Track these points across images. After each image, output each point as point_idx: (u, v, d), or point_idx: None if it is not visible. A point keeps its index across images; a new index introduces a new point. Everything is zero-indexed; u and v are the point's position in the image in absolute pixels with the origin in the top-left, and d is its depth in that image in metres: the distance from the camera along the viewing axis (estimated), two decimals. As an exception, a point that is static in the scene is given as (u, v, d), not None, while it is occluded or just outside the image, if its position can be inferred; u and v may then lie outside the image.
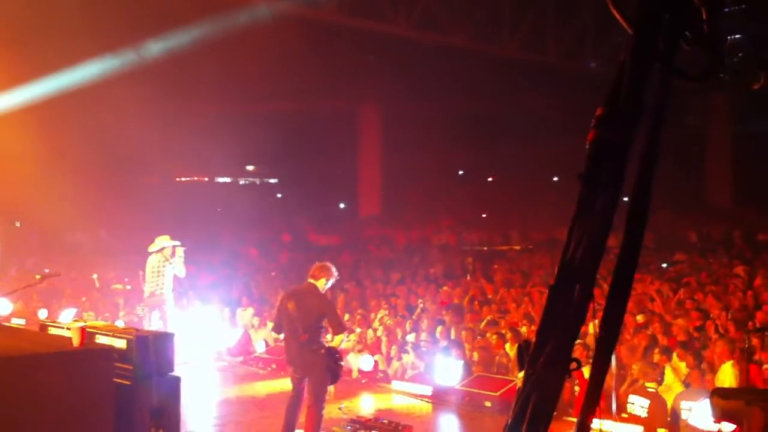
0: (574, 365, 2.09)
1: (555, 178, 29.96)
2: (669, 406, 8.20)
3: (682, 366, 8.84)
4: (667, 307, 11.83)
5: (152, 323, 11.67)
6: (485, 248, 23.67)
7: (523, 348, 2.15)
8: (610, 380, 7.92)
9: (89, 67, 18.22)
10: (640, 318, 11.09)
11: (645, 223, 2.19)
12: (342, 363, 7.50)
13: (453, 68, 22.19)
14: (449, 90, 23.84)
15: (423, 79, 22.85)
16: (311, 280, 7.51)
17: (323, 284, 7.54)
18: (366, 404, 9.84)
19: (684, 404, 7.99)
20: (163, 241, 11.82)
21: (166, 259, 11.64)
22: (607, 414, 7.80)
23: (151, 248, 11.84)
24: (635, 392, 8.28)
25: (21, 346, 5.33)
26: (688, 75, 2.36)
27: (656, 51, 2.23)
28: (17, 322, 11.26)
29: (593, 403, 2.13)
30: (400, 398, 10.07)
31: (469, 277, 17.29)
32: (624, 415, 8.14)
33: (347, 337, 11.01)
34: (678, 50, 2.29)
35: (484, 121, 26.97)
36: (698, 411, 7.73)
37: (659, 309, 11.69)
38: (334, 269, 7.66)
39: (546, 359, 2.04)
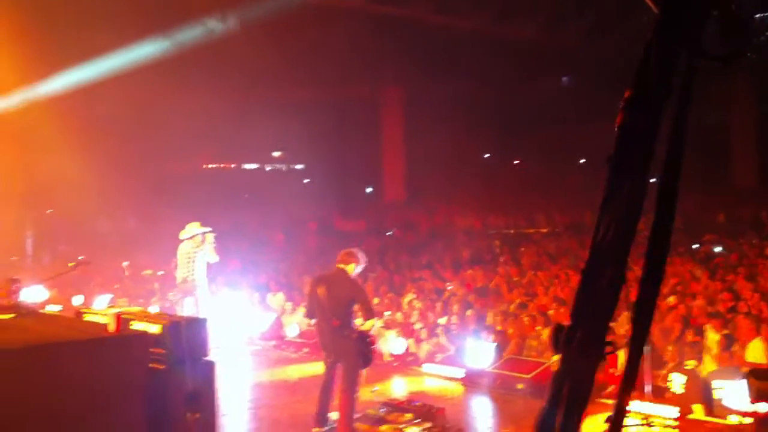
0: (609, 349, 2.10)
1: (581, 161, 29.75)
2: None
3: (714, 344, 8.81)
4: (698, 288, 11.75)
5: (185, 309, 11.85)
6: (512, 231, 23.60)
7: (557, 331, 2.17)
8: (644, 362, 7.94)
9: (117, 56, 18.40)
10: (671, 300, 11.05)
11: (675, 205, 2.20)
12: (374, 347, 7.56)
13: (475, 52, 22.06)
14: (472, 73, 23.73)
15: (445, 62, 22.77)
16: (340, 266, 7.57)
17: (353, 269, 7.60)
18: (398, 387, 9.89)
19: (716, 383, 7.97)
20: (193, 227, 11.96)
21: (197, 246, 11.77)
22: (641, 395, 7.83)
23: (182, 235, 11.98)
24: (675, 370, 8.30)
25: (58, 332, 5.42)
26: (715, 56, 2.35)
27: (684, 31, 2.22)
28: (53, 308, 11.48)
29: (629, 386, 2.15)
30: (432, 381, 10.11)
31: (499, 260, 17.26)
32: (668, 394, 8.17)
33: (377, 321, 11.09)
34: (705, 30, 2.28)
35: (508, 103, 26.83)
36: (733, 391, 7.71)
37: (691, 290, 11.63)
38: (362, 255, 7.72)
39: (580, 343, 2.05)
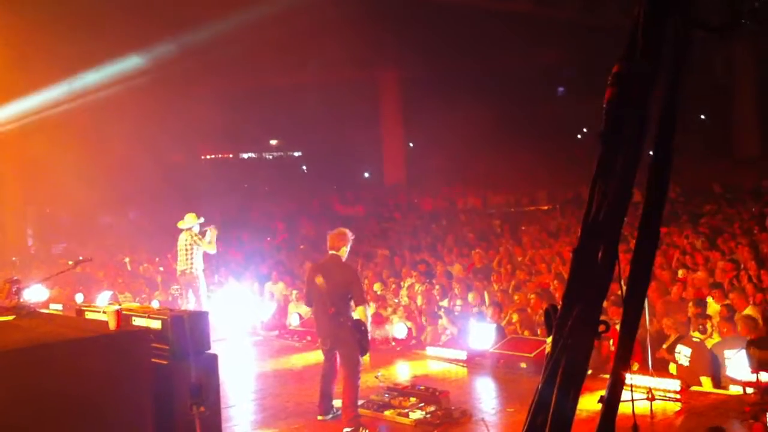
0: (602, 327, 2.08)
1: (579, 135, 29.65)
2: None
3: (716, 315, 8.81)
4: (699, 258, 11.73)
5: (188, 302, 11.87)
6: (512, 210, 23.56)
7: (550, 312, 2.15)
8: (646, 336, 7.93)
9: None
10: (681, 273, 11.07)
11: (668, 178, 2.17)
12: (368, 334, 7.52)
13: (470, 27, 21.92)
14: (468, 50, 23.61)
15: (441, 40, 22.61)
16: (332, 252, 7.53)
17: (344, 252, 7.57)
18: (402, 371, 9.89)
19: (727, 353, 7.98)
20: (191, 219, 11.97)
21: (193, 238, 11.81)
22: (644, 369, 7.82)
23: (181, 224, 12.01)
24: (682, 342, 8.29)
25: (59, 331, 5.42)
26: (707, 25, 2.30)
27: (672, 2, 2.17)
28: (55, 307, 11.48)
29: (625, 358, 2.13)
30: (436, 364, 10.11)
31: (500, 240, 17.24)
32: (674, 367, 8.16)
33: (368, 307, 11.09)
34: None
35: (504, 79, 26.66)
36: (735, 361, 7.71)
37: (691, 262, 11.61)
38: (348, 233, 7.64)
39: (574, 323, 2.04)
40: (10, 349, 4.71)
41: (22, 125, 19.20)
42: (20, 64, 16.48)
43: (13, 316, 6.01)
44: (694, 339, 8.38)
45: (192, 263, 11.94)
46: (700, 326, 8.61)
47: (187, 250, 11.96)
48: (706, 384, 8.05)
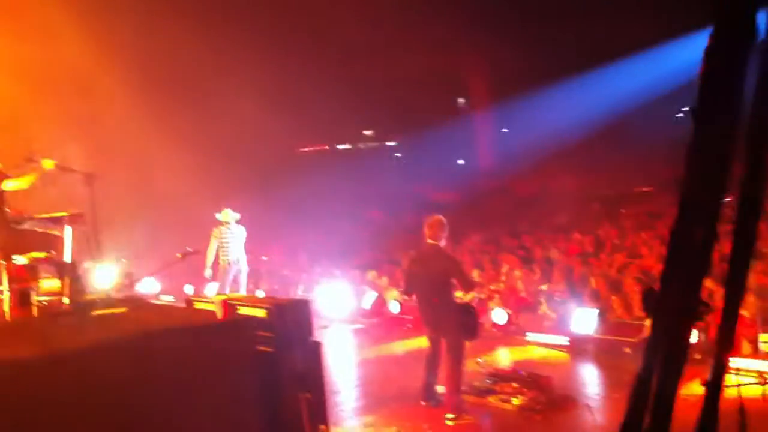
0: (702, 309, 2.03)
1: (682, 111, 28.44)
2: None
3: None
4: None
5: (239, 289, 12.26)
6: (611, 192, 22.94)
7: (649, 295, 2.12)
8: (755, 316, 7.62)
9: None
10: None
11: (766, 151, 2.09)
12: (477, 319, 7.52)
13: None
14: (550, 34, 23.02)
15: (529, 25, 22.20)
16: (431, 241, 7.52)
17: (442, 240, 7.56)
18: (503, 357, 9.87)
19: None
20: (228, 213, 12.59)
21: (230, 231, 12.52)
22: (755, 353, 7.53)
23: (220, 217, 12.62)
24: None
25: (170, 321, 5.68)
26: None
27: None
28: (166, 298, 12.01)
29: (727, 341, 2.08)
30: (537, 349, 10.04)
31: (596, 223, 16.86)
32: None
33: (477, 292, 11.08)
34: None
35: (594, 56, 25.84)
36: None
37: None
38: (444, 220, 7.62)
39: (673, 306, 2.00)
40: (124, 340, 4.98)
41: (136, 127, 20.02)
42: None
43: (127, 308, 6.35)
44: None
45: (234, 253, 12.53)
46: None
47: (228, 242, 12.53)
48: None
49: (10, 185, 6.39)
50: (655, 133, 25.38)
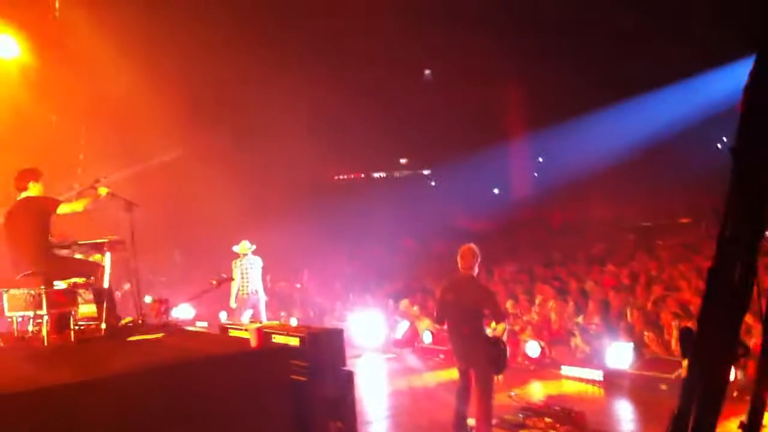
0: (741, 351, 2.01)
1: (719, 145, 28.06)
2: None
3: None
4: None
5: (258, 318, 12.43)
6: (648, 224, 22.65)
7: (686, 334, 2.10)
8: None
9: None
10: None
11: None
12: (506, 352, 7.43)
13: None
14: (589, 63, 22.96)
15: (558, 49, 22.20)
16: (464, 270, 7.43)
17: (475, 269, 7.49)
18: (536, 391, 9.75)
19: None
20: (245, 245, 12.92)
21: (248, 261, 12.80)
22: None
23: (237, 249, 12.95)
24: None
25: (205, 348, 5.74)
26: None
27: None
28: (201, 324, 12.13)
29: (766, 381, 2.05)
30: (570, 384, 9.91)
31: (634, 254, 16.64)
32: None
33: (508, 324, 11.00)
34: None
35: (628, 84, 25.70)
36: None
37: None
38: (476, 249, 7.52)
39: (711, 346, 1.98)
40: (159, 366, 5.05)
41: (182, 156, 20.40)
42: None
43: (162, 334, 6.43)
44: None
45: (252, 284, 12.82)
46: None
47: (247, 272, 12.81)
48: None
49: (65, 209, 6.54)
50: (693, 163, 25.12)
